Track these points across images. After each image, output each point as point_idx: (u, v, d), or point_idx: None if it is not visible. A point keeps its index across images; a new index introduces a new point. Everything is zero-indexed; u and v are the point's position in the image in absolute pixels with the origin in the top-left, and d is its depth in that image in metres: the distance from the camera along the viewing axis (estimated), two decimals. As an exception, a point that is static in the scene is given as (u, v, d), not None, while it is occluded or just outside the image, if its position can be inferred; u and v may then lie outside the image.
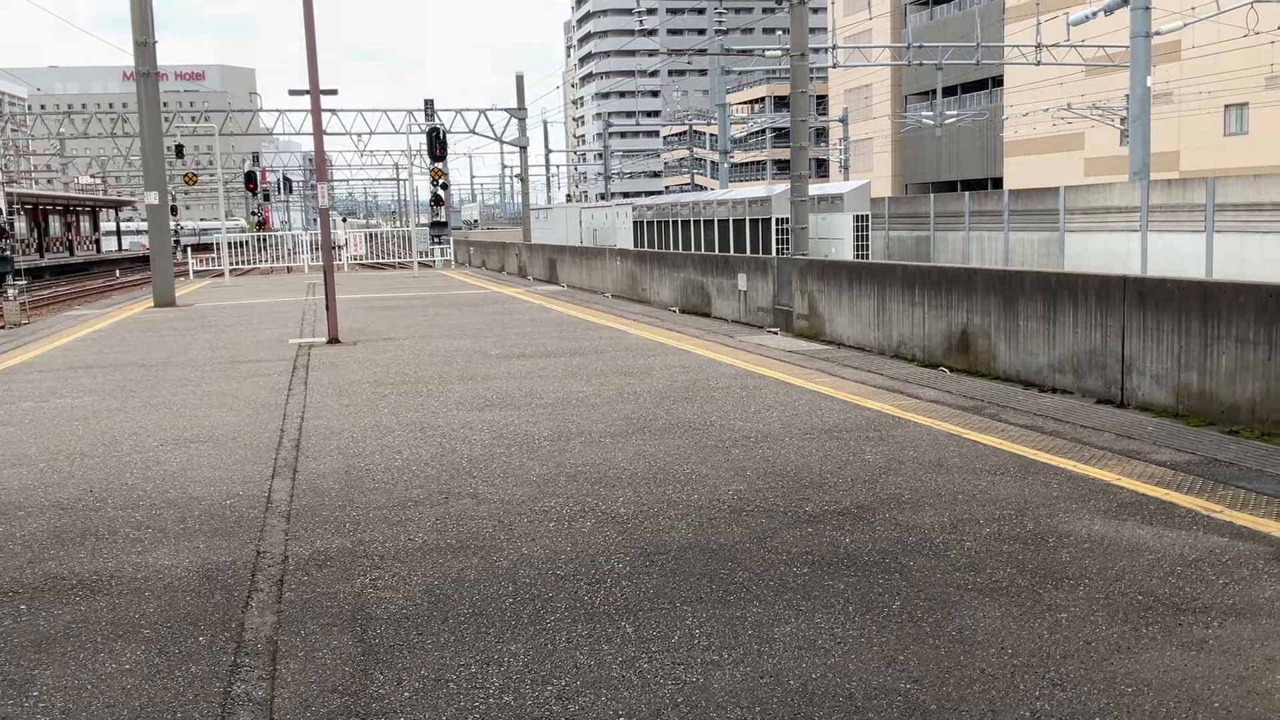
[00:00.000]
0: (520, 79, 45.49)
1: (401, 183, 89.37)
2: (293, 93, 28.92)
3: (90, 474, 7.09)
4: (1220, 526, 5.28)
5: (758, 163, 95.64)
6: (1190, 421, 8.22)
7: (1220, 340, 8.29)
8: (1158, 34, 27.11)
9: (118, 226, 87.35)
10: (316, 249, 36.44)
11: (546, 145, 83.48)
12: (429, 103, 43.71)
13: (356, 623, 4.35)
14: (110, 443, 8.10)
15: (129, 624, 4.42)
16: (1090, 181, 43.94)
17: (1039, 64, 37.96)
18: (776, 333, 15.86)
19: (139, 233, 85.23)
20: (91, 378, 11.73)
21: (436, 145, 37.44)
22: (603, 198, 79.48)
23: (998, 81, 59.20)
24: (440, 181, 41.07)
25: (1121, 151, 41.97)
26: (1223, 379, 8.26)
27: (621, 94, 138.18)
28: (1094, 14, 28.55)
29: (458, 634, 4.21)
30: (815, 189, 28.44)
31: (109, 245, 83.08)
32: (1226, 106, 45.01)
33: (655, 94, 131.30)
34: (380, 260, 43.34)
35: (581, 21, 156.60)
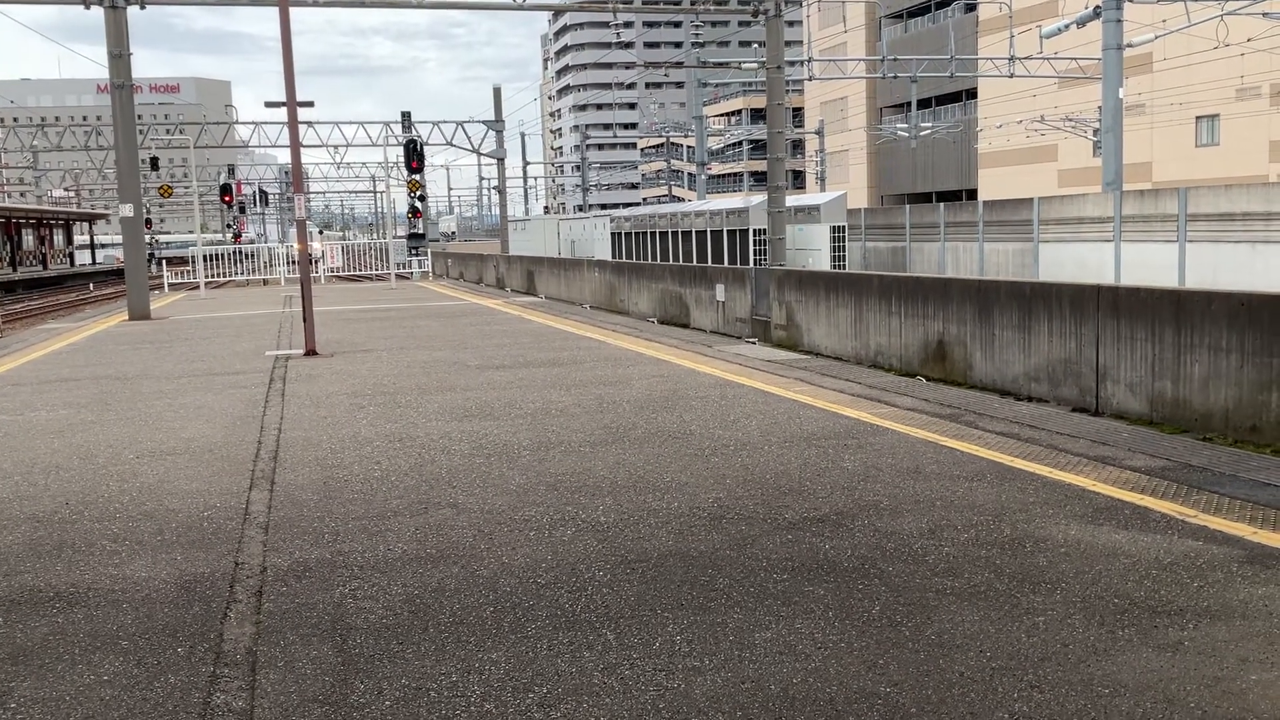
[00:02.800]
0: (498, 91, 45.54)
1: (379, 195, 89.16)
2: (269, 104, 28.78)
3: (66, 487, 7.04)
4: (1194, 530, 5.34)
5: (735, 174, 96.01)
6: (1164, 429, 8.30)
7: (1193, 348, 8.38)
8: (1129, 46, 27.41)
9: (91, 240, 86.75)
10: (293, 261, 36.32)
11: (524, 157, 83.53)
12: (406, 115, 43.69)
13: (336, 633, 4.34)
14: (86, 455, 8.04)
15: (107, 635, 4.39)
16: (1064, 192, 44.33)
17: (1012, 76, 38.31)
18: (755, 343, 15.92)
19: (114, 246, 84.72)
20: (66, 391, 11.65)
21: (414, 157, 37.40)
22: (580, 209, 79.56)
23: (972, 94, 59.70)
24: (418, 193, 41.01)
25: (1094, 163, 42.41)
26: (1196, 386, 8.35)
27: (599, 106, 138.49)
28: (1066, 26, 28.85)
29: (438, 643, 4.20)
30: (792, 200, 28.59)
31: (83, 259, 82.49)
32: (1198, 118, 45.54)
33: (632, 106, 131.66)
34: (357, 273, 43.22)
35: (559, 34, 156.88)
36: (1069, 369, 9.76)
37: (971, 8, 59.40)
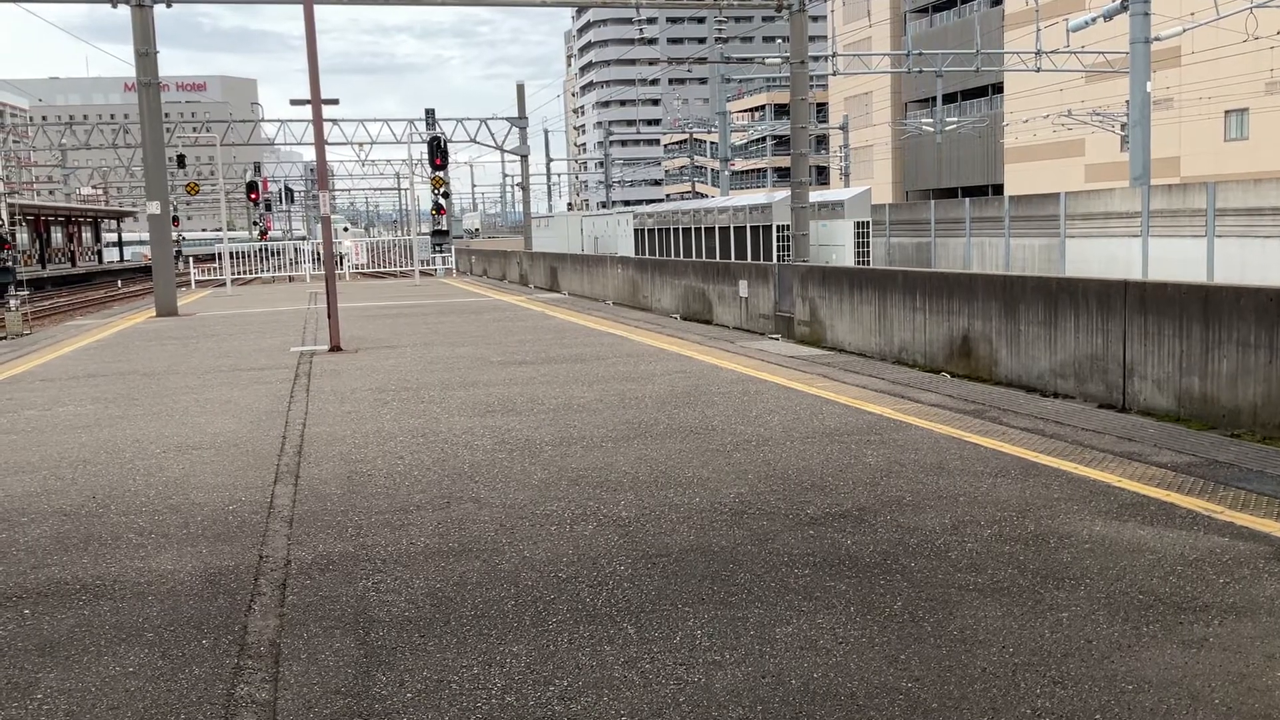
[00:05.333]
0: (521, 88, 45.62)
1: (403, 192, 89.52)
2: (294, 102, 28.94)
3: (93, 481, 7.10)
4: (1221, 527, 5.29)
5: (758, 170, 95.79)
6: (1192, 425, 8.22)
7: (1221, 344, 8.30)
8: (1157, 39, 27.16)
9: (119, 237, 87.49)
10: (318, 258, 36.50)
11: (547, 154, 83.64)
12: (430, 112, 43.83)
13: (359, 625, 4.36)
14: (113, 450, 8.11)
15: (132, 627, 4.43)
16: (1091, 187, 44.01)
17: (1039, 70, 38.03)
18: (778, 339, 15.88)
19: (141, 243, 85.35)
20: (94, 386, 11.76)
21: (437, 154, 37.48)
22: (604, 206, 79.63)
23: (998, 88, 59.32)
24: (441, 190, 41.12)
25: (1122, 157, 42.04)
26: (1224, 383, 8.27)
27: (622, 103, 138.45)
28: (1093, 20, 28.61)
29: (460, 636, 4.22)
30: (816, 196, 28.51)
31: (111, 256, 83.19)
32: (1227, 112, 45.08)
33: (656, 102, 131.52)
34: (382, 269, 43.41)
35: (582, 31, 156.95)
36: (1096, 365, 9.69)
37: (997, 1, 59.00)
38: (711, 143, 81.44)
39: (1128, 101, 28.25)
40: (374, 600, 4.65)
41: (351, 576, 4.97)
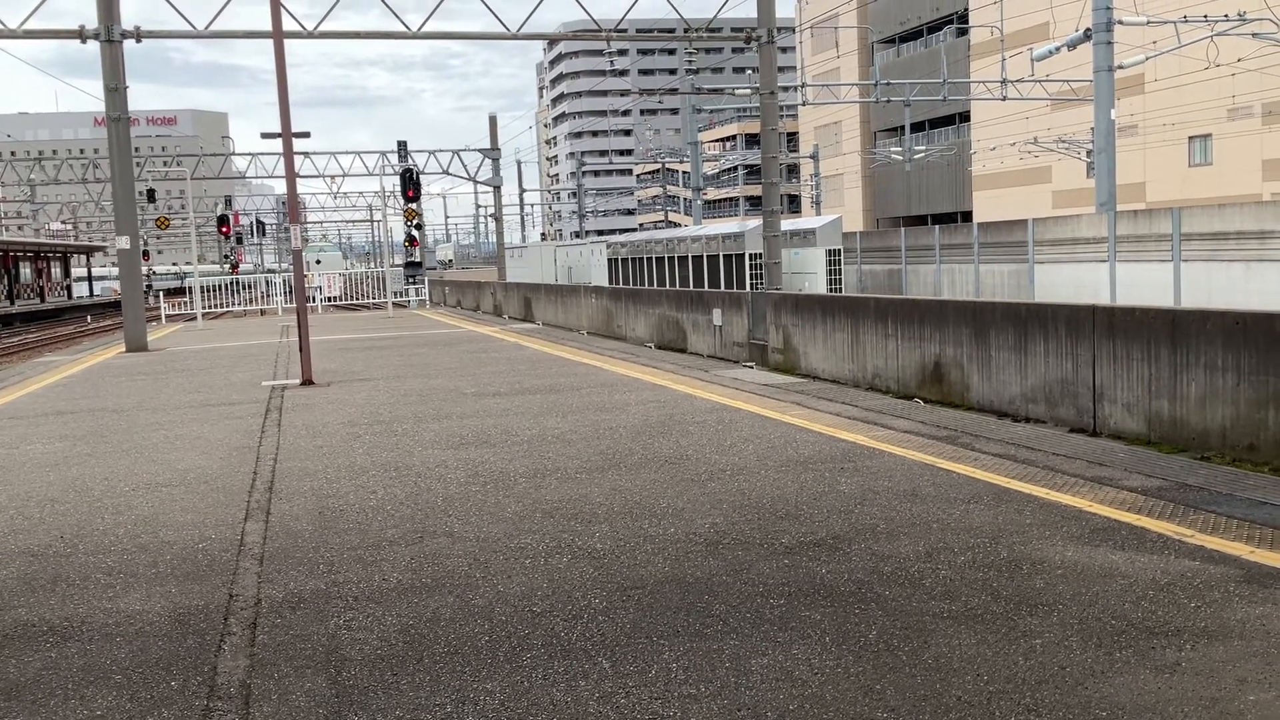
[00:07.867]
0: (493, 120, 45.76)
1: (376, 224, 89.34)
2: (265, 135, 28.85)
3: (61, 520, 7.01)
4: (1191, 550, 5.32)
5: (730, 199, 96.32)
6: (1162, 448, 8.29)
7: (1190, 367, 8.38)
8: (1120, 68, 27.57)
9: (89, 272, 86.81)
10: (290, 291, 36.31)
11: (520, 184, 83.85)
12: (402, 144, 43.90)
13: (330, 664, 4.32)
14: (81, 489, 8.02)
15: (100, 670, 4.37)
16: (1058, 213, 44.47)
17: (1005, 99, 38.51)
18: (752, 367, 15.92)
19: (111, 278, 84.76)
20: (62, 424, 11.63)
21: (410, 186, 37.48)
22: (577, 235, 79.78)
23: (965, 117, 60.01)
24: (414, 222, 41.10)
25: (1088, 183, 42.58)
26: (1193, 406, 8.35)
27: (594, 133, 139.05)
28: (1057, 49, 29.02)
29: (433, 673, 4.18)
30: (788, 224, 28.65)
31: (80, 291, 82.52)
32: (1190, 138, 45.75)
33: (628, 133, 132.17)
34: (355, 301, 43.25)
35: (554, 62, 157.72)
36: (1066, 389, 9.76)
37: (963, 32, 59.76)
38: (684, 172, 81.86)
39: (1093, 128, 28.64)
40: (346, 638, 4.60)
41: (323, 614, 4.92)
